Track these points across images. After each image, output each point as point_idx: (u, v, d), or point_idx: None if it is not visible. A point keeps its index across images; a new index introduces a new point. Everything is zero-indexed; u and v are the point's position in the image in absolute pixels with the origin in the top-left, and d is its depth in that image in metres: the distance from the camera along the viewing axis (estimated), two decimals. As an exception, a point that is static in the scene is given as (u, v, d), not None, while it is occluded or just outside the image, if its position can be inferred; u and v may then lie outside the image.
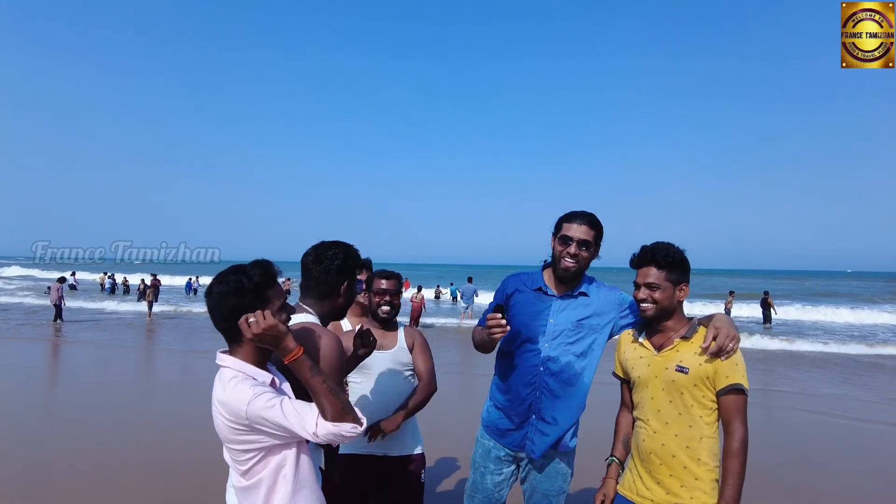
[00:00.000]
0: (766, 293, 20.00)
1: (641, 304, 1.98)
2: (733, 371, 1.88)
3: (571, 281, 2.21)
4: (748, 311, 22.05)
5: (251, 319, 1.47)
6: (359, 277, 2.01)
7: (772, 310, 19.39)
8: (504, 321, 1.98)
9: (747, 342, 14.16)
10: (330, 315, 1.93)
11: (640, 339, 2.07)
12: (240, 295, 1.50)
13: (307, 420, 1.48)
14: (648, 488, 1.97)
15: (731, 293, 22.00)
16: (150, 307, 19.13)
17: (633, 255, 2.04)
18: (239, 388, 1.48)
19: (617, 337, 2.26)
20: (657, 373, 1.98)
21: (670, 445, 1.93)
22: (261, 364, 1.59)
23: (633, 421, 2.11)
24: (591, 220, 2.18)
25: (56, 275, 19.59)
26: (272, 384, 1.57)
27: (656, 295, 1.95)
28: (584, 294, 2.24)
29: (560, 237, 2.18)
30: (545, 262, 2.36)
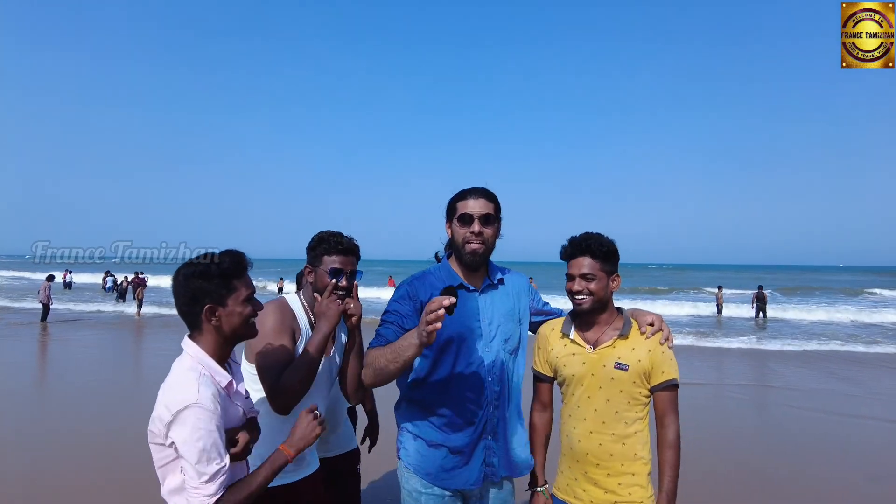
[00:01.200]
0: (759, 287, 20.17)
1: (577, 297, 1.91)
2: (669, 366, 1.90)
3: (481, 266, 1.96)
4: (741, 304, 22.22)
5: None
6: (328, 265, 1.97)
7: (766, 304, 19.60)
8: (446, 307, 1.51)
9: (740, 340, 14.30)
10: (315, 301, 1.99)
11: (571, 335, 1.98)
12: (205, 279, 1.48)
13: (206, 471, 1.38)
14: (585, 490, 1.93)
15: (720, 288, 22.18)
16: (140, 306, 18.82)
17: (563, 246, 1.98)
18: (192, 385, 1.41)
19: (540, 331, 2.10)
20: (594, 370, 1.92)
21: (607, 444, 1.90)
22: (222, 358, 1.55)
23: (559, 420, 2.05)
24: (487, 193, 1.96)
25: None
26: (228, 387, 1.52)
27: (592, 286, 1.89)
28: (503, 281, 2.04)
29: (459, 217, 1.92)
30: (438, 255, 2.10)
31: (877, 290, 35.48)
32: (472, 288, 1.97)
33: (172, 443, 1.41)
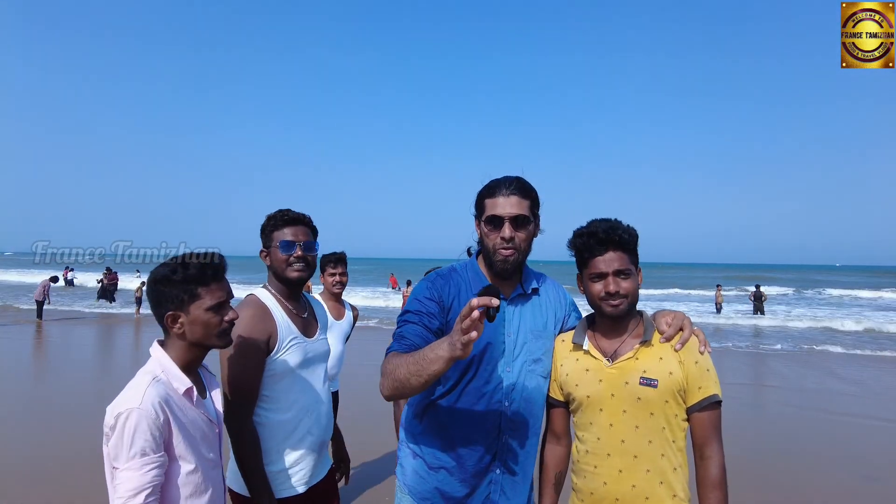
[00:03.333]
0: (757, 286, 20.23)
1: (613, 301, 1.55)
2: (706, 380, 1.52)
3: (513, 275, 1.69)
4: (739, 303, 22.27)
5: None
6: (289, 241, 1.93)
7: (764, 303, 19.67)
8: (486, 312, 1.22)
9: (738, 339, 14.31)
10: (282, 285, 1.92)
11: (585, 346, 1.63)
12: (166, 284, 1.45)
13: (132, 479, 1.30)
14: None
15: (719, 286, 22.20)
16: (139, 304, 18.19)
17: (579, 238, 1.60)
18: (140, 390, 1.36)
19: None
20: (614, 390, 1.55)
21: (642, 486, 1.51)
22: (188, 365, 1.50)
23: (576, 456, 1.67)
24: (521, 186, 1.63)
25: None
26: (188, 393, 1.47)
27: (627, 284, 1.54)
28: (537, 292, 1.75)
29: (487, 219, 1.63)
30: (470, 250, 1.84)
31: (873, 291, 35.53)
32: (501, 295, 1.69)
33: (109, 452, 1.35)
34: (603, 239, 1.54)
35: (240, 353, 1.73)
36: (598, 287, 1.56)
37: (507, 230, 1.60)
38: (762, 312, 19.53)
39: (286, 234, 1.88)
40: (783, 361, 10.88)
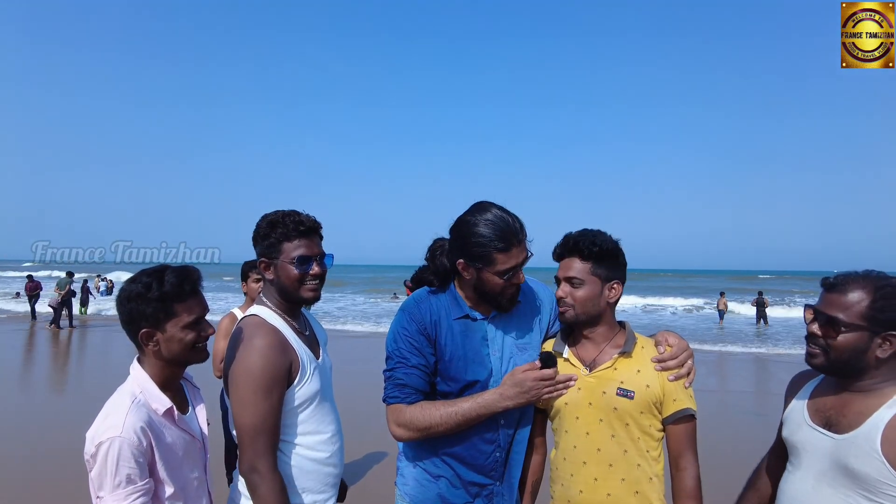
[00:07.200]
0: (760, 293, 20.18)
1: (560, 307, 1.63)
2: (681, 393, 1.57)
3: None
4: (742, 311, 22.21)
5: None
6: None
7: (766, 310, 19.64)
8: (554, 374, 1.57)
9: (741, 346, 14.25)
10: (287, 303, 1.67)
11: (565, 354, 1.66)
12: (141, 302, 1.38)
13: None
14: None
15: (723, 294, 22.12)
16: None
17: (557, 245, 1.68)
18: (120, 415, 1.32)
19: None
20: (592, 398, 1.58)
21: (618, 494, 1.54)
22: (167, 382, 1.46)
23: (553, 463, 1.70)
24: (523, 229, 1.62)
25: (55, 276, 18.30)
26: (168, 413, 1.43)
27: (578, 293, 1.58)
28: (518, 302, 1.75)
29: (500, 272, 1.58)
30: (407, 283, 1.88)
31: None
32: (479, 317, 1.70)
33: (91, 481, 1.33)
34: (566, 246, 1.64)
35: (266, 391, 1.49)
36: (557, 291, 1.67)
37: (521, 276, 1.64)
38: (765, 319, 19.47)
39: (300, 247, 1.60)
40: (787, 368, 10.80)
